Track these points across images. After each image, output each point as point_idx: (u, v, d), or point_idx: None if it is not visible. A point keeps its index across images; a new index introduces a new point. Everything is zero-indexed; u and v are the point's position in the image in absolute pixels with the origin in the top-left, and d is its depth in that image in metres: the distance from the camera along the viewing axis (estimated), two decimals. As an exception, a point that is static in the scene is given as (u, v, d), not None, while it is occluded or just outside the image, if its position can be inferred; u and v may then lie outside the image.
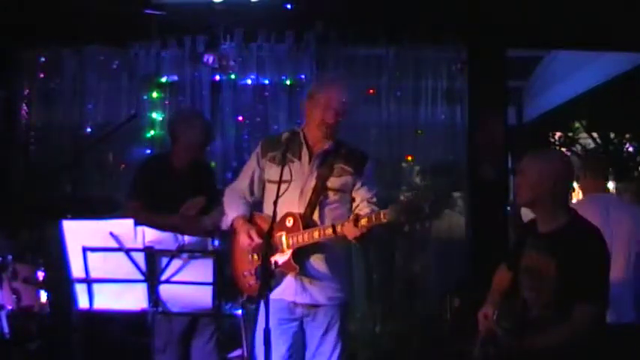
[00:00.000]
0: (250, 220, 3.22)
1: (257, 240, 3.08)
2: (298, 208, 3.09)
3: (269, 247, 2.86)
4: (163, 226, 3.10)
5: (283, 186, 3.02)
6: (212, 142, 4.07)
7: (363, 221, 2.88)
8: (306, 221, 3.06)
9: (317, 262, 3.11)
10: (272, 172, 3.18)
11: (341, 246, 3.12)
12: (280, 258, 3.08)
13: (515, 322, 2.81)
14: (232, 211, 3.25)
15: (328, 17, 4.98)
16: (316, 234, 3.01)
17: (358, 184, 3.18)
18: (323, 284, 3.12)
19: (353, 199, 3.19)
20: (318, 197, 3.11)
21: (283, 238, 3.09)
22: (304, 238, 3.03)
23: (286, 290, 3.10)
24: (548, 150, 3.08)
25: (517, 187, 2.97)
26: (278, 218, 3.02)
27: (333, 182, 3.14)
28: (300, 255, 3.08)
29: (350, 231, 2.91)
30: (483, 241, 4.97)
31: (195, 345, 3.79)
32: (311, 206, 3.10)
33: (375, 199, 3.16)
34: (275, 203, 2.88)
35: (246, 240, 3.11)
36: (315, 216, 3.11)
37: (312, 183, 3.12)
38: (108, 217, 3.00)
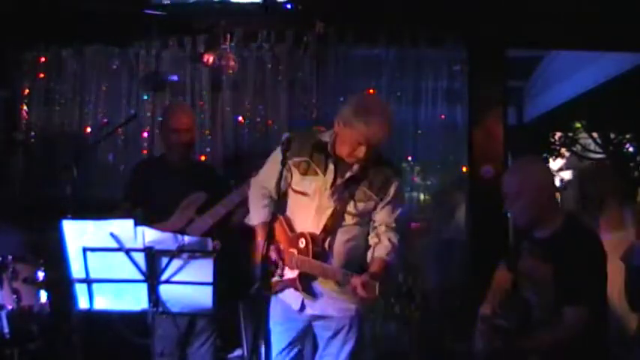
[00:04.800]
0: (273, 223, 3.11)
1: (274, 257, 3.03)
2: (311, 226, 3.01)
3: (269, 247, 2.87)
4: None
5: (304, 199, 3.00)
6: (193, 126, 4.02)
7: (373, 283, 2.78)
8: (317, 248, 2.97)
9: (324, 283, 3.05)
10: (295, 179, 3.06)
11: (353, 265, 3.03)
12: (289, 273, 3.06)
13: (517, 322, 2.81)
14: (255, 215, 3.19)
15: (328, 17, 4.97)
16: (323, 273, 2.96)
17: (379, 207, 3.03)
18: (334, 298, 3.06)
19: (373, 221, 3.06)
20: (334, 223, 2.99)
21: (294, 258, 3.03)
22: (311, 268, 2.98)
23: (294, 299, 3.08)
24: (524, 161, 3.03)
25: (512, 210, 2.91)
26: (292, 233, 3.05)
27: (353, 207, 3.00)
28: (308, 277, 3.03)
29: (358, 286, 2.82)
30: (483, 241, 4.97)
31: (191, 349, 3.78)
32: (325, 232, 2.99)
33: (394, 225, 3.02)
34: (274, 213, 2.90)
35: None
36: (327, 240, 3.01)
37: (332, 207, 2.99)
38: (108, 217, 2.99)
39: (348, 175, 2.99)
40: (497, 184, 4.97)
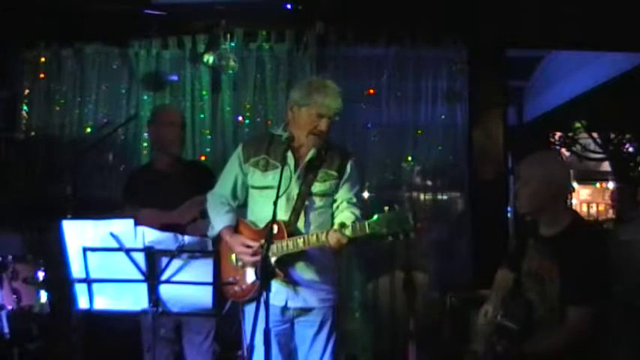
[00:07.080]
0: (236, 228, 3.21)
1: (255, 245, 3.07)
2: (284, 215, 3.07)
3: (269, 247, 2.87)
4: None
5: (269, 192, 3.03)
6: (183, 129, 3.98)
7: (347, 231, 2.86)
8: (290, 228, 3.05)
9: (303, 268, 3.11)
10: (256, 177, 3.17)
11: (328, 251, 3.07)
12: None
13: (521, 322, 2.80)
14: (217, 222, 3.23)
15: (328, 17, 4.98)
16: (300, 242, 3.00)
17: (340, 185, 3.17)
18: (314, 288, 3.12)
19: (334, 200, 3.18)
20: (302, 204, 3.09)
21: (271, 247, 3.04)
22: (288, 246, 3.02)
23: (277, 295, 3.08)
24: (544, 153, 3.03)
25: (518, 196, 2.93)
26: (263, 225, 3.10)
27: (317, 187, 3.12)
28: (286, 262, 3.07)
29: (333, 240, 2.89)
30: (483, 241, 4.98)
31: (190, 344, 3.77)
32: (295, 213, 3.08)
33: (354, 200, 3.17)
34: (274, 212, 2.87)
35: (243, 249, 3.11)
36: (301, 222, 3.09)
37: (297, 190, 3.10)
38: (108, 217, 2.99)
39: (308, 156, 3.12)
40: (497, 184, 5.08)
